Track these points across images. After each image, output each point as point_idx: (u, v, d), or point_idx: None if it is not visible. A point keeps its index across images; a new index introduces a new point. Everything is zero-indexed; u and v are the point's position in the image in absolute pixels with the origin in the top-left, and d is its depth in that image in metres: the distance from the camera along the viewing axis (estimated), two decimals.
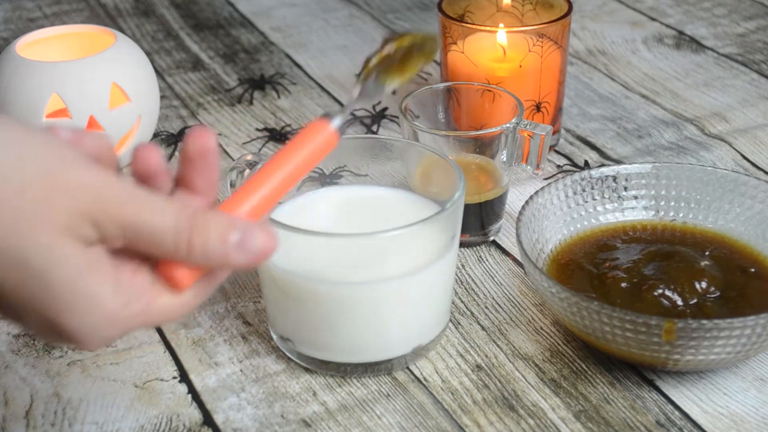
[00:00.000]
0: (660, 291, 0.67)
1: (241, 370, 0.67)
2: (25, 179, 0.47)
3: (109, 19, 1.18)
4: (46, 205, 0.47)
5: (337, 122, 0.54)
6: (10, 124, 0.48)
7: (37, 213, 0.46)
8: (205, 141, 0.51)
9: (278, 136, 0.93)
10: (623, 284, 0.68)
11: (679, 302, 0.66)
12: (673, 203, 0.75)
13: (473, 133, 0.78)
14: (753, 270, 0.70)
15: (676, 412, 0.63)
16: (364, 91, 0.58)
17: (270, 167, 0.52)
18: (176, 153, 0.92)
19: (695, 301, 0.66)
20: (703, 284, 0.67)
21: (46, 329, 0.48)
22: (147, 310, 0.49)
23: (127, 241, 0.48)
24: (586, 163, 0.89)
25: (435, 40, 0.60)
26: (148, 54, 1.06)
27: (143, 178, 0.51)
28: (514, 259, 0.77)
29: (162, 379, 0.67)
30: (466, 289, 0.74)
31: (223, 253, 0.49)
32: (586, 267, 0.70)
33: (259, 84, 1.02)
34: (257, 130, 0.95)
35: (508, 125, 0.76)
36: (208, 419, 0.64)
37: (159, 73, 1.05)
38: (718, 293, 0.67)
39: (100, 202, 0.47)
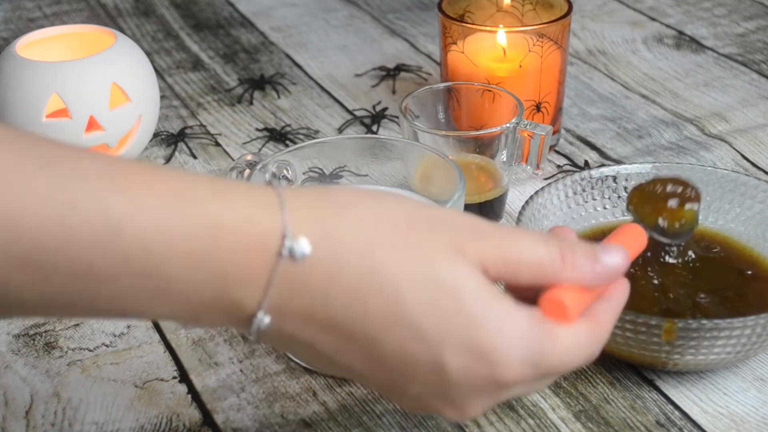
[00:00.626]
0: (660, 291, 0.67)
1: (241, 370, 0.67)
2: (409, 211, 0.49)
3: (109, 19, 1.18)
4: (435, 233, 0.48)
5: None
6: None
7: (432, 237, 0.48)
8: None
9: (278, 136, 0.93)
10: None
11: (679, 302, 0.66)
12: None
13: (473, 133, 0.78)
14: (752, 270, 0.70)
15: (676, 412, 0.63)
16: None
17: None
18: (176, 153, 0.92)
19: (695, 301, 0.66)
20: (703, 284, 0.67)
21: (463, 362, 0.48)
22: (549, 334, 0.50)
23: (507, 269, 0.49)
24: (586, 163, 0.89)
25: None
26: (148, 54, 1.06)
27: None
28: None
29: (162, 379, 0.67)
30: None
31: (590, 264, 0.51)
32: None
33: (259, 84, 1.02)
34: (257, 130, 0.95)
35: (508, 125, 0.76)
36: (208, 419, 0.64)
37: (159, 73, 1.05)
38: (717, 293, 0.67)
39: (482, 233, 0.49)
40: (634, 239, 0.59)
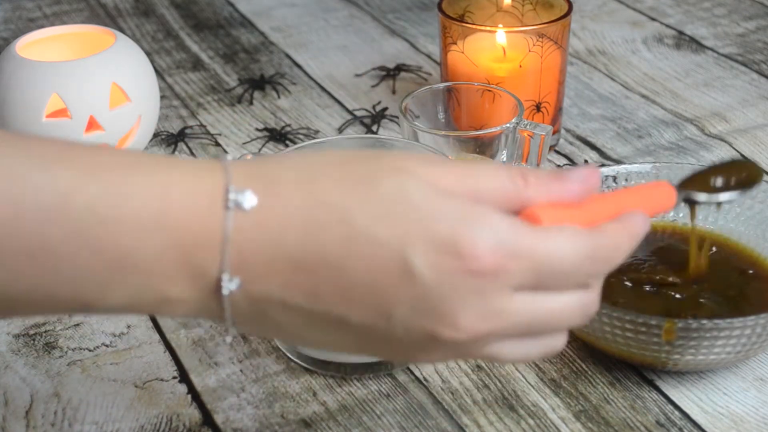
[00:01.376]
0: (660, 291, 0.67)
1: (241, 370, 0.67)
2: (351, 153, 0.49)
3: (109, 19, 1.18)
4: (379, 161, 0.48)
5: (681, 196, 0.57)
6: None
7: (376, 164, 0.48)
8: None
9: (278, 136, 0.93)
10: (624, 284, 0.68)
11: (679, 302, 0.66)
12: None
13: (473, 133, 0.78)
14: (753, 270, 0.70)
15: (676, 412, 0.63)
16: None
17: (612, 195, 0.53)
18: (176, 153, 0.92)
19: (695, 300, 0.66)
20: (704, 284, 0.67)
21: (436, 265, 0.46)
22: (537, 243, 0.47)
23: (475, 195, 0.47)
24: (586, 162, 0.89)
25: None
26: (148, 54, 1.06)
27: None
28: None
29: (162, 379, 0.67)
30: None
31: (556, 180, 0.49)
32: None
33: (259, 84, 1.02)
34: (257, 130, 0.95)
35: (508, 125, 0.76)
36: (208, 419, 0.64)
37: (159, 73, 1.05)
38: (718, 293, 0.67)
39: (431, 161, 0.48)
40: (660, 194, 0.55)
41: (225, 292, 0.46)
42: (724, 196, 0.60)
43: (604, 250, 0.49)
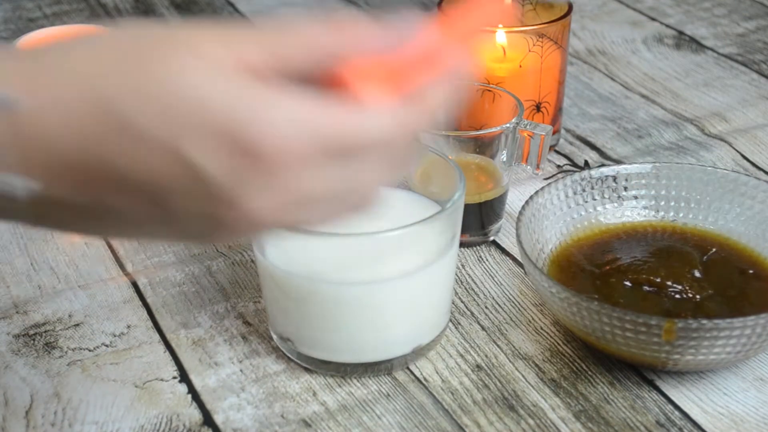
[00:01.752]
0: (660, 291, 0.67)
1: (241, 370, 0.67)
2: (142, 35, 0.44)
3: (109, 19, 1.18)
4: (169, 47, 0.43)
5: None
6: None
7: (166, 52, 0.43)
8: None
9: None
10: (624, 284, 0.68)
11: (679, 302, 0.66)
12: (673, 203, 0.75)
13: (473, 133, 0.78)
14: (753, 270, 0.70)
15: (676, 412, 0.63)
16: None
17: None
18: None
19: (695, 300, 0.66)
20: (704, 284, 0.67)
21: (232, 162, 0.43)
22: (344, 124, 0.44)
23: (274, 57, 0.44)
24: (586, 163, 0.89)
25: None
26: None
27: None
28: (514, 259, 0.77)
29: (162, 379, 0.67)
30: (466, 289, 0.74)
31: (376, 29, 0.46)
32: (586, 267, 0.70)
33: None
34: None
35: (508, 125, 0.76)
36: (208, 419, 0.64)
37: None
38: (718, 293, 0.67)
39: (228, 35, 0.44)
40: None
41: (20, 192, 0.44)
42: None
43: (421, 110, 0.46)
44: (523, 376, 0.66)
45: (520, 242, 0.67)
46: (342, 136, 0.44)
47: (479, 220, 0.78)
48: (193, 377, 0.67)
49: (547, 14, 0.89)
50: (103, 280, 0.76)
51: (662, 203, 0.75)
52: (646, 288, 0.67)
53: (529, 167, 0.80)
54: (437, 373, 0.67)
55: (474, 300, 0.73)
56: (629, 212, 0.75)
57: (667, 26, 1.14)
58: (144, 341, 0.70)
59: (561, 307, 0.64)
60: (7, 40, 1.12)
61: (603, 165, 0.77)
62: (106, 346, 0.70)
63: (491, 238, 0.79)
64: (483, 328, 0.71)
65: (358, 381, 0.66)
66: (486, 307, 0.73)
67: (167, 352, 0.69)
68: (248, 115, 0.42)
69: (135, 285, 0.75)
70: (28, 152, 0.43)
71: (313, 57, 0.45)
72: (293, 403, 0.65)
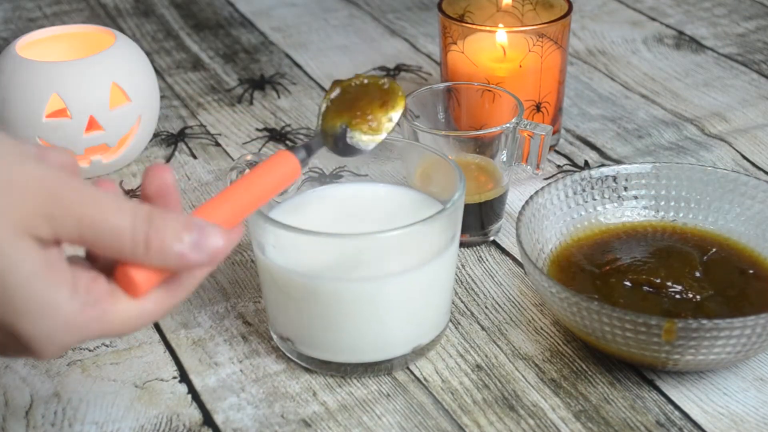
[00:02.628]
0: (660, 291, 0.67)
1: (241, 370, 0.67)
2: None
3: (109, 19, 1.18)
4: (2, 199, 0.46)
5: (301, 155, 0.57)
6: None
7: None
8: (163, 177, 0.51)
9: (278, 136, 0.93)
10: (624, 285, 0.68)
11: (679, 302, 0.66)
12: (673, 203, 0.75)
13: (473, 133, 0.78)
14: (753, 270, 0.70)
15: (676, 412, 0.64)
16: (337, 146, 0.61)
17: (239, 185, 0.54)
18: (176, 153, 0.92)
19: (695, 300, 0.66)
20: (704, 284, 0.67)
21: (3, 338, 0.48)
22: (104, 317, 0.49)
23: (83, 240, 0.47)
24: (586, 163, 0.89)
25: (394, 89, 0.63)
26: (148, 54, 1.06)
27: (154, 198, 0.51)
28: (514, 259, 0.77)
29: (162, 379, 0.67)
30: (466, 289, 0.74)
31: (180, 252, 0.49)
32: (586, 267, 0.70)
33: (259, 84, 1.02)
34: (257, 130, 0.95)
35: (508, 125, 0.76)
36: (208, 419, 0.64)
37: (159, 73, 1.05)
38: (718, 293, 0.67)
39: (57, 198, 0.47)
40: (284, 168, 0.56)
41: None
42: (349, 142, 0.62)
43: (169, 307, 0.51)
44: (523, 376, 0.66)
45: (520, 242, 0.67)
46: (104, 333, 0.50)
47: (479, 220, 0.78)
48: (193, 377, 0.67)
49: (547, 14, 0.89)
50: None
51: (662, 203, 0.75)
52: (646, 288, 0.67)
53: (529, 167, 0.80)
54: (437, 373, 0.67)
55: (474, 300, 0.73)
56: (629, 212, 0.75)
57: (667, 26, 1.14)
58: (144, 341, 0.70)
59: (561, 307, 0.64)
60: (7, 40, 1.12)
61: (603, 165, 0.77)
62: (106, 346, 0.70)
63: (491, 238, 0.79)
64: (483, 328, 0.71)
65: (358, 381, 0.66)
66: (486, 307, 0.73)
67: (167, 352, 0.69)
68: (29, 318, 0.47)
69: None
70: None
71: (116, 255, 0.49)
72: (293, 403, 0.65)
